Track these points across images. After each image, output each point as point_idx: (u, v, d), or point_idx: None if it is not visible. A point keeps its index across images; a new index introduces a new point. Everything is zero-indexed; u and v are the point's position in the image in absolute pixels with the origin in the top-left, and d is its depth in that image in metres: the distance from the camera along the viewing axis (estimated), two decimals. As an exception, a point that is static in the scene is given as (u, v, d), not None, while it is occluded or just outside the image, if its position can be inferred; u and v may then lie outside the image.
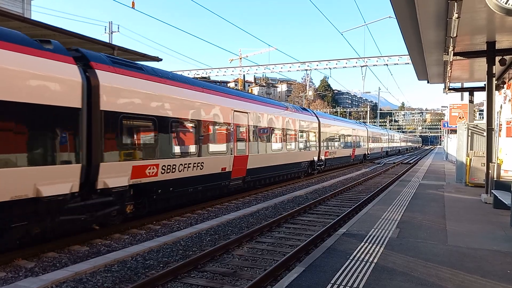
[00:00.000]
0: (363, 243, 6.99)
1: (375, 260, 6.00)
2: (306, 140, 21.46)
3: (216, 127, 12.58)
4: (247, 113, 14.56)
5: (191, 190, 11.44)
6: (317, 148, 23.38)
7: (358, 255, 6.28)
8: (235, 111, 13.62)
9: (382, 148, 48.92)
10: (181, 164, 10.67)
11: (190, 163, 11.06)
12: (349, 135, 32.11)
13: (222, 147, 12.85)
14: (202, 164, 11.56)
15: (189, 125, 11.26)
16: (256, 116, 15.41)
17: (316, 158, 22.98)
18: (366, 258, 6.12)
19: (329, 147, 26.12)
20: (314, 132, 23.01)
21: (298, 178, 21.04)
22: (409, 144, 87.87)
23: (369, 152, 39.75)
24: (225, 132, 13.05)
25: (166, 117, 10.20)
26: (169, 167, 10.19)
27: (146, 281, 5.77)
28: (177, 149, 10.68)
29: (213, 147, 12.25)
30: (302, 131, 20.80)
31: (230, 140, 13.22)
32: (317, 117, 24.27)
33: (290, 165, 19.22)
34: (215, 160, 12.38)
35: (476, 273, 5.49)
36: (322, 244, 7.16)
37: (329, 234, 8.67)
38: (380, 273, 5.43)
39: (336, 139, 28.09)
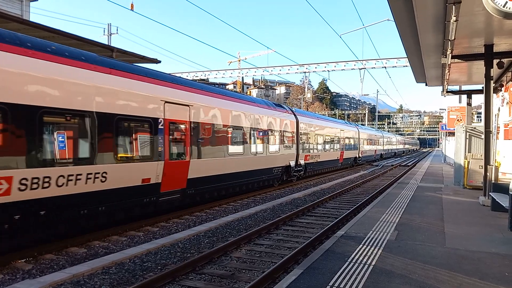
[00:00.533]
0: (361, 245, 6.99)
1: (373, 263, 6.00)
2: (279, 142, 18.14)
3: (132, 123, 9.48)
4: (188, 106, 11.26)
5: (85, 212, 8.23)
6: (295, 150, 20.10)
7: (356, 257, 6.27)
8: (167, 102, 10.36)
9: (375, 150, 45.89)
10: (62, 176, 7.52)
11: (81, 174, 7.92)
12: (336, 136, 28.85)
13: (142, 150, 9.78)
14: (103, 174, 8.41)
15: (76, 119, 8.09)
16: (204, 111, 12.13)
17: (293, 163, 19.71)
18: (364, 260, 6.12)
19: (311, 150, 22.86)
20: (291, 132, 19.69)
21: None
22: (407, 146, 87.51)
23: (360, 155, 36.55)
24: (148, 130, 9.85)
25: (30, 106, 7.04)
26: (36, 180, 7.03)
27: (144, 283, 5.76)
28: (52, 153, 7.61)
29: (125, 150, 9.34)
30: (273, 131, 17.53)
31: (158, 141, 10.00)
32: (294, 114, 20.87)
33: (256, 172, 15.81)
34: (130, 168, 9.28)
35: (474, 275, 5.50)
36: (320, 246, 7.16)
37: (327, 236, 8.67)
38: (378, 276, 5.43)
39: (320, 141, 24.87)
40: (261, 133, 16.29)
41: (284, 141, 18.82)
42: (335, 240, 7.37)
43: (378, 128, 75.36)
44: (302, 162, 20.94)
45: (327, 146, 26.40)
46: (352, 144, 33.93)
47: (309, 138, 22.87)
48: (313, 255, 6.44)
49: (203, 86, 13.45)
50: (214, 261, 7.22)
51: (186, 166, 11.23)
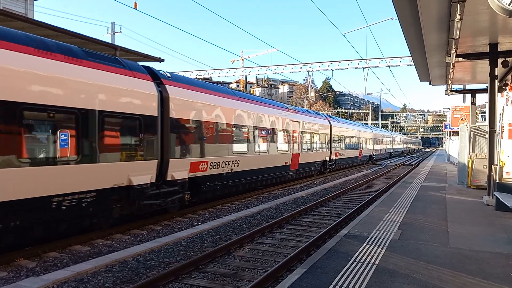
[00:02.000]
0: (364, 244, 6.98)
1: (377, 262, 5.99)
2: (87, 139, 8.02)
3: None
4: None
5: None
6: (159, 154, 9.96)
7: (359, 256, 6.26)
8: None
9: (361, 151, 34.89)
10: None
11: None
12: (284, 131, 18.32)
13: None
14: None
15: None
16: None
17: (145, 180, 9.43)
18: (368, 259, 6.11)
19: (210, 152, 12.22)
20: (140, 116, 9.34)
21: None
22: (410, 146, 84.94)
23: (334, 157, 26.17)
24: None
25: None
26: None
27: (147, 281, 5.78)
28: None
29: None
30: (116, 115, 8.70)
31: None
32: (162, 83, 10.45)
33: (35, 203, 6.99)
34: None
35: (478, 275, 5.48)
36: (324, 245, 7.15)
37: (331, 236, 8.65)
38: (381, 275, 5.42)
39: (237, 136, 14.08)
40: (71, 119, 7.67)
41: (113, 138, 8.85)
42: (338, 239, 7.36)
43: (381, 127, 74.65)
44: (179, 175, 10.71)
45: (260, 146, 15.95)
46: (319, 142, 23.94)
47: (205, 130, 12.09)
48: (316, 254, 6.44)
49: None
50: (217, 259, 7.23)
51: None
